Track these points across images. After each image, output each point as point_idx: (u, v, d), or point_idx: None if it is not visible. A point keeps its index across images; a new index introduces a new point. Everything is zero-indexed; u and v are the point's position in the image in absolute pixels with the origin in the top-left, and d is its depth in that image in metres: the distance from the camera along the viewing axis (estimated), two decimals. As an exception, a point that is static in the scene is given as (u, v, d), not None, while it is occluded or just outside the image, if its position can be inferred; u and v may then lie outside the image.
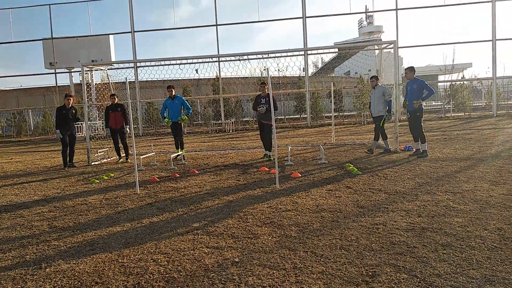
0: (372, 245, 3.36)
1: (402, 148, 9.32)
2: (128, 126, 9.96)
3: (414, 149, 8.74)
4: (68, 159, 9.56)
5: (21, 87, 36.93)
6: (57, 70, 25.52)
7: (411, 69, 8.42)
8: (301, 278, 2.80)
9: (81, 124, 21.12)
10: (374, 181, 5.98)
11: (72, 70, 25.59)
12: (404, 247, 3.28)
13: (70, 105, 9.59)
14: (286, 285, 2.71)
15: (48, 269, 3.23)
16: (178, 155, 9.68)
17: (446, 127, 15.46)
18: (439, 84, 30.29)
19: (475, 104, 26.75)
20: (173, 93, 9.72)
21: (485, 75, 27.24)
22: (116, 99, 10.17)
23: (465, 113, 22.91)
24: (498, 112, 21.02)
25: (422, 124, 8.25)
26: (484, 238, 3.37)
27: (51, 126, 24.67)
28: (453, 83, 23.99)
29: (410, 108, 8.28)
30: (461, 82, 24.51)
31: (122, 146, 10.27)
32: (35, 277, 3.09)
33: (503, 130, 12.65)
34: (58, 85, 26.37)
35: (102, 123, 21.52)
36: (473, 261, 2.93)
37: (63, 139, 9.42)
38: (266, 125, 9.01)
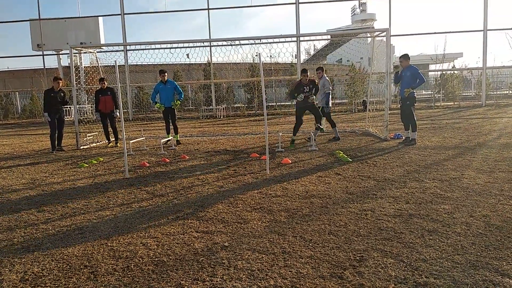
0: (360, 230, 3.41)
1: (392, 136, 9.39)
2: (118, 110, 9.84)
3: (403, 137, 8.81)
4: (56, 142, 9.44)
5: (8, 69, 36.16)
6: (45, 52, 24.98)
7: (405, 57, 8.34)
8: (289, 262, 2.83)
9: (70, 107, 20.83)
10: (364, 168, 6.03)
11: (60, 53, 25.05)
12: (392, 232, 3.33)
13: (58, 88, 9.43)
14: (275, 269, 2.74)
15: (36, 252, 3.22)
16: (169, 140, 9.61)
17: (435, 116, 15.60)
18: (429, 73, 30.46)
19: (464, 94, 26.99)
20: (166, 78, 9.59)
21: (475, 65, 27.46)
22: (105, 83, 10.04)
23: (455, 103, 23.12)
24: (487, 102, 21.24)
25: (414, 112, 8.28)
26: (469, 225, 3.43)
27: (39, 109, 24.25)
28: (444, 72, 24.11)
29: (402, 96, 8.30)
30: (452, 72, 24.65)
31: (111, 130, 10.17)
32: (23, 260, 3.07)
33: (491, 120, 12.81)
34: (46, 67, 25.84)
35: (91, 106, 21.23)
36: (458, 247, 2.99)
37: (51, 123, 9.28)
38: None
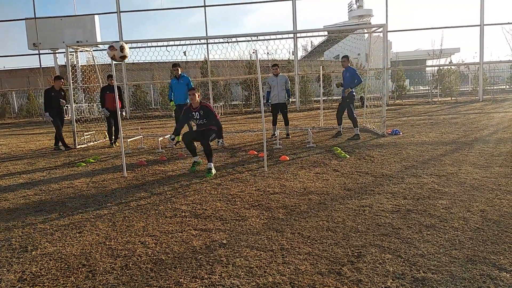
0: (358, 226, 3.41)
1: (390, 132, 9.40)
2: (124, 110, 9.64)
3: (401, 133, 8.85)
4: (54, 141, 9.40)
5: (4, 69, 35.96)
6: (41, 51, 24.84)
7: (346, 58, 9.00)
8: (288, 259, 2.83)
9: (67, 106, 20.74)
10: (361, 164, 6.04)
11: (56, 51, 24.91)
12: (389, 228, 3.34)
13: (59, 87, 9.34)
14: (273, 266, 2.74)
15: (34, 252, 3.21)
16: (178, 142, 9.15)
17: (433, 112, 15.62)
18: (427, 68, 30.47)
19: (461, 89, 27.01)
20: (179, 72, 8.83)
21: (472, 60, 27.46)
22: (113, 80, 9.87)
23: (452, 98, 23.15)
24: (484, 97, 21.27)
25: (353, 110, 8.85)
26: (467, 220, 3.45)
27: (36, 109, 24.16)
28: (441, 68, 24.12)
29: (343, 94, 8.97)
30: (449, 67, 24.65)
31: (114, 128, 10.10)
32: (21, 260, 3.07)
33: (488, 115, 12.84)
34: (42, 66, 25.72)
35: (88, 105, 21.13)
36: (456, 241, 3.00)
37: (54, 121, 9.19)
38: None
